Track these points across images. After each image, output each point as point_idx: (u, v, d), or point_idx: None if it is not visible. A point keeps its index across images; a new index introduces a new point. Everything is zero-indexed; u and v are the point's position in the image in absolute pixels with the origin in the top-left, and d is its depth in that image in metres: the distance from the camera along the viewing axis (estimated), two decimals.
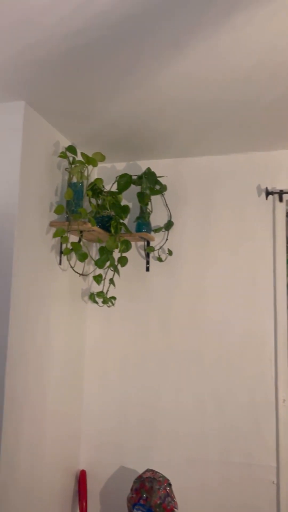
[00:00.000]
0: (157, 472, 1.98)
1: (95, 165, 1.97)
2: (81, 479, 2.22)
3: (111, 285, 2.22)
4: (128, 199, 2.35)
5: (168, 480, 1.96)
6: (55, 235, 1.92)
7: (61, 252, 2.07)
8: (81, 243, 2.06)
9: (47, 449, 1.97)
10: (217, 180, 2.28)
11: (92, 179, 2.18)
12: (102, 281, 2.23)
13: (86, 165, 1.97)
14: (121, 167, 2.41)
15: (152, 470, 2.00)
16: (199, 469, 2.15)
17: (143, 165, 2.37)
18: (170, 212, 2.31)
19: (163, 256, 2.30)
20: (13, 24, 1.29)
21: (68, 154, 2.00)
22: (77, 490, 2.26)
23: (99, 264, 2.08)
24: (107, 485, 2.26)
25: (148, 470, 2.00)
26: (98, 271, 2.33)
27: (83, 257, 1.99)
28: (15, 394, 1.71)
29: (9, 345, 1.67)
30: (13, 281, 1.70)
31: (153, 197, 2.30)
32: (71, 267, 2.10)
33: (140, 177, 2.20)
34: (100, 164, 2.32)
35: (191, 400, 2.19)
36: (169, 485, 1.96)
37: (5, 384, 1.65)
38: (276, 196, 2.18)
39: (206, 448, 2.15)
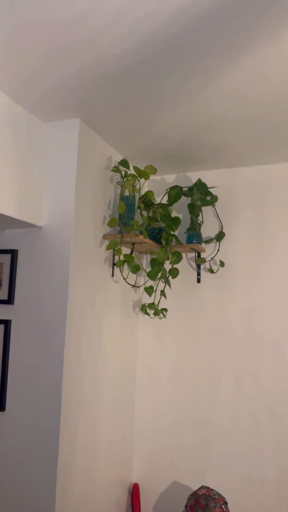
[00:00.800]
0: (212, 489, 1.93)
1: (147, 178, 2.00)
2: (134, 492, 2.21)
3: (162, 297, 2.22)
4: (178, 210, 2.35)
5: (224, 498, 1.90)
6: (108, 247, 1.96)
7: (113, 264, 2.10)
8: (133, 255, 2.08)
9: (101, 460, 1.98)
10: (270, 189, 2.23)
11: (143, 192, 2.21)
12: (153, 293, 2.24)
13: (138, 178, 2.00)
14: (171, 179, 2.43)
15: (207, 487, 1.95)
16: (255, 488, 2.07)
17: (193, 176, 2.37)
18: (221, 223, 2.29)
19: (214, 268, 2.27)
20: (70, 46, 1.34)
21: (121, 168, 2.04)
22: (130, 504, 2.24)
23: (152, 275, 2.09)
24: (160, 500, 2.23)
25: (203, 487, 1.95)
26: (149, 283, 2.34)
27: (135, 269, 2.00)
28: (71, 403, 1.74)
29: (65, 354, 1.71)
30: (69, 292, 1.74)
31: (203, 208, 2.29)
32: (124, 278, 2.12)
33: (190, 189, 2.20)
34: (150, 177, 2.34)
35: (246, 416, 2.13)
36: (225, 503, 1.90)
37: (62, 392, 1.68)
38: None
39: (263, 467, 2.07)
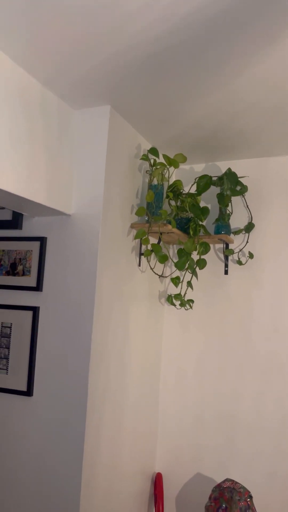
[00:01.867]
0: (237, 482, 1.91)
1: (176, 166, 1.96)
2: (158, 481, 2.21)
3: (189, 288, 2.19)
4: (207, 201, 2.32)
5: (249, 492, 1.88)
6: (136, 237, 1.94)
7: (140, 254, 2.09)
8: (160, 245, 2.06)
9: (125, 449, 1.99)
10: None
11: (171, 181, 2.18)
12: (180, 284, 2.21)
13: (167, 166, 1.97)
14: (199, 168, 2.39)
15: (232, 480, 1.93)
16: (280, 484, 2.04)
17: (222, 166, 2.32)
18: (251, 214, 2.24)
19: (243, 259, 2.23)
20: (102, 31, 1.32)
21: (150, 156, 2.02)
22: (153, 493, 2.25)
23: (179, 265, 2.07)
24: (182, 490, 2.23)
25: (227, 480, 1.93)
26: (175, 273, 2.32)
27: (163, 258, 1.98)
28: (97, 391, 1.75)
29: (92, 342, 1.71)
30: (97, 281, 1.74)
31: (233, 198, 2.25)
32: (151, 268, 2.11)
33: (220, 178, 2.16)
34: (179, 166, 2.31)
35: (273, 410, 2.09)
36: (250, 497, 1.87)
37: (88, 381, 1.69)
38: None
39: None
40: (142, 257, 2.09)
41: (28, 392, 1.76)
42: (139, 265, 2.10)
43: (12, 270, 1.87)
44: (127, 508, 2.01)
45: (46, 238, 1.84)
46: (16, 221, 1.88)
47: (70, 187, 1.81)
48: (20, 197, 1.55)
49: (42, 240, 1.83)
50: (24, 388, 1.77)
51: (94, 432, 1.73)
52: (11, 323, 1.83)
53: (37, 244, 1.84)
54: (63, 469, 1.66)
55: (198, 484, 2.19)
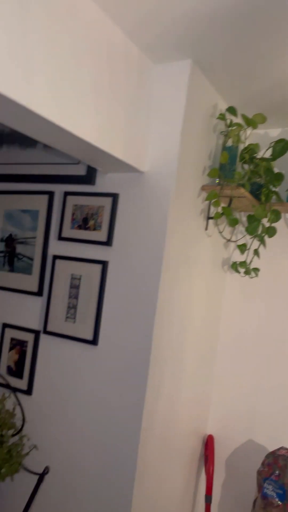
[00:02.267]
0: None
1: (255, 127, 1.89)
2: (209, 443, 2.25)
3: (255, 256, 2.14)
4: (281, 168, 2.22)
5: None
6: (207, 198, 1.91)
7: (208, 217, 2.06)
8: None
9: (180, 407, 2.03)
10: None
11: (246, 144, 2.10)
12: (246, 251, 2.17)
13: (245, 127, 1.90)
14: (274, 133, 2.28)
15: (287, 449, 1.92)
16: None
17: None
18: None
19: None
20: None
21: (227, 116, 1.95)
22: (203, 454, 2.30)
23: (250, 230, 2.02)
24: (234, 454, 2.25)
25: (283, 448, 1.92)
26: (241, 241, 2.27)
27: (234, 222, 1.95)
28: (160, 347, 1.79)
29: (158, 299, 1.73)
30: (166, 240, 1.74)
31: None
32: (220, 232, 2.08)
33: None
34: (253, 131, 2.22)
35: None
36: None
37: (152, 337, 1.72)
38: None
39: None
40: (211, 220, 2.06)
41: (94, 341, 1.83)
42: (206, 229, 2.07)
43: (84, 225, 1.92)
44: (179, 464, 2.08)
45: (118, 194, 1.86)
46: (90, 176, 1.92)
47: (145, 144, 1.81)
48: (98, 149, 1.57)
49: (114, 197, 1.86)
50: (90, 337, 1.84)
51: (155, 383, 1.77)
52: (81, 275, 1.90)
53: (109, 200, 1.87)
54: (124, 416, 1.73)
55: (249, 450, 2.20)
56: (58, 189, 2.01)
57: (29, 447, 1.81)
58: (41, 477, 1.70)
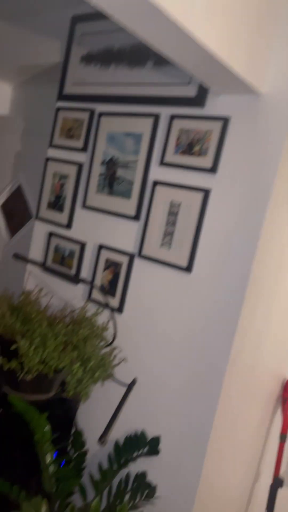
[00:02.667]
0: None
1: None
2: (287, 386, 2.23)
3: None
4: None
5: None
6: None
7: None
8: None
9: (265, 348, 2.01)
10: None
11: None
12: None
13: None
14: None
15: None
16: None
17: None
18: None
19: None
20: None
21: None
22: (281, 395, 2.29)
23: None
24: None
25: None
26: None
27: None
28: (255, 287, 1.74)
29: (261, 238, 1.66)
30: (277, 175, 1.63)
31: None
32: None
33: None
34: None
35: None
36: None
37: (250, 271, 1.67)
38: None
39: None
40: None
41: (188, 268, 1.83)
42: None
43: (189, 150, 1.85)
44: (256, 401, 2.09)
45: (229, 118, 1.75)
46: (200, 98, 1.81)
47: (267, 62, 1.65)
48: (219, 61, 1.44)
49: (225, 120, 1.75)
50: (184, 264, 1.84)
51: (246, 320, 1.75)
52: (180, 202, 1.87)
53: (218, 124, 1.77)
54: (214, 343, 1.74)
55: None
56: (165, 111, 1.94)
57: (119, 359, 1.92)
58: (130, 387, 1.80)
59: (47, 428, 1.69)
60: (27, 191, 2.89)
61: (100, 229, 2.15)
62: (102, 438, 1.59)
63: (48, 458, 1.72)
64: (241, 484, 2.24)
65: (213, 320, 1.75)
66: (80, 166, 2.23)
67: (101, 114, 2.15)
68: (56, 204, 2.34)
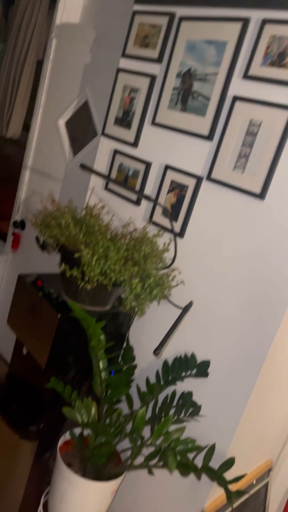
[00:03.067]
0: None
1: None
2: None
3: None
4: None
5: None
6: None
7: None
8: None
9: None
10: None
11: None
12: None
13: None
14: None
15: None
16: None
17: None
18: None
19: None
20: None
21: None
22: None
23: None
24: None
25: None
26: None
27: None
28: None
29: None
30: None
31: None
32: None
33: None
34: None
35: None
36: None
37: None
38: None
39: None
40: None
41: (261, 195, 1.71)
42: None
43: (279, 61, 1.65)
44: None
45: None
46: None
47: None
48: None
49: None
50: (257, 190, 1.72)
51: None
52: (261, 122, 1.70)
53: None
54: (279, 275, 1.66)
55: None
56: (256, 15, 1.72)
57: (177, 282, 1.90)
58: (186, 308, 1.79)
59: (102, 337, 1.74)
60: (93, 107, 2.79)
61: (168, 148, 2.04)
62: (158, 350, 1.62)
63: (101, 365, 1.79)
64: (280, 426, 2.25)
65: (283, 248, 1.65)
66: (153, 79, 2.09)
67: (181, 19, 1.95)
68: (124, 120, 2.23)
